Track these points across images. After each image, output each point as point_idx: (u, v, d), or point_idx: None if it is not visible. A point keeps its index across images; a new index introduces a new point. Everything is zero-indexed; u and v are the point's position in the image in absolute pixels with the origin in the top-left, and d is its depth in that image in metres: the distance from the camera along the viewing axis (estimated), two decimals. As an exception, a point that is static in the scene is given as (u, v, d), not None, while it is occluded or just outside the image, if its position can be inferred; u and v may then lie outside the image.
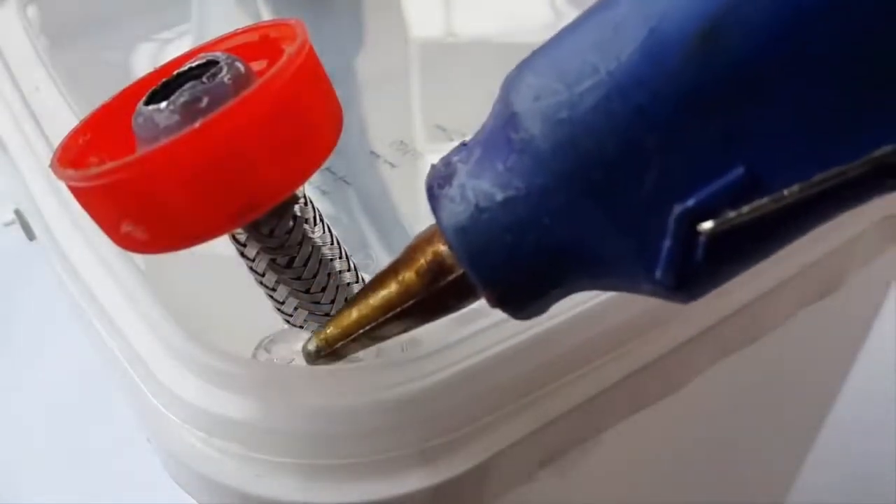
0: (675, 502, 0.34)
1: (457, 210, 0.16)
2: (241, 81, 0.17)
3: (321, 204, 0.19)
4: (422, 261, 0.17)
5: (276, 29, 0.19)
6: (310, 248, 0.18)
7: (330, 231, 0.19)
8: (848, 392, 0.40)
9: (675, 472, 0.32)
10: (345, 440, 0.18)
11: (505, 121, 0.15)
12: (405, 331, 0.18)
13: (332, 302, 0.19)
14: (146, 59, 0.33)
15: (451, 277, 0.17)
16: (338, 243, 0.19)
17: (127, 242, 0.17)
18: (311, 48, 0.17)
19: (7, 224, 0.30)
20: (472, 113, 0.29)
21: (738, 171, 0.14)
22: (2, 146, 0.27)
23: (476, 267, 0.16)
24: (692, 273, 0.14)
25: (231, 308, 0.22)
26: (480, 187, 0.15)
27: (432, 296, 0.17)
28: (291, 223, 0.18)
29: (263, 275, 0.19)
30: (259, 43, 0.19)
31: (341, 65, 0.33)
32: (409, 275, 0.17)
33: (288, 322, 0.19)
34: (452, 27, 0.35)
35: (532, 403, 0.20)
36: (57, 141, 0.18)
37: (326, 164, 0.18)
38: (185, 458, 0.19)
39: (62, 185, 0.17)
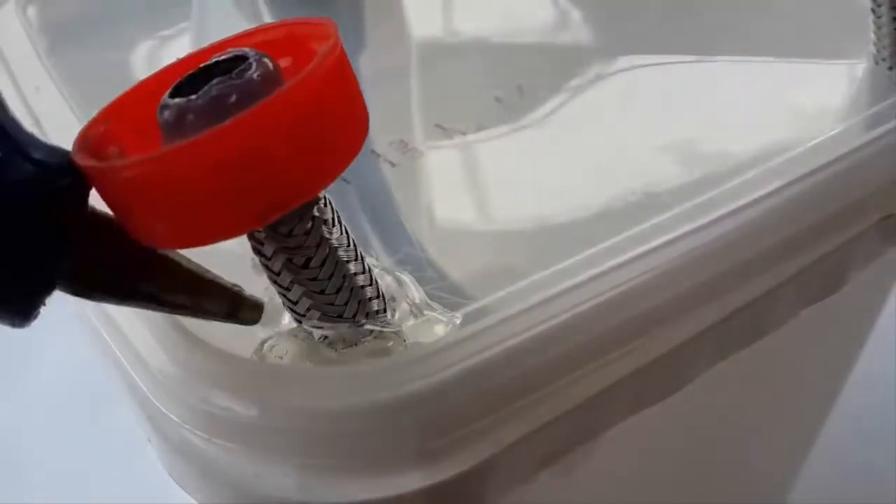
0: (675, 502, 0.34)
1: None
2: (269, 79, 0.16)
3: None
4: None
5: (303, 26, 0.18)
6: (327, 250, 0.18)
7: (347, 233, 0.19)
8: (849, 392, 0.40)
9: (675, 472, 0.32)
10: (344, 440, 0.18)
11: None
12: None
13: (346, 304, 0.19)
14: (146, 59, 0.33)
15: None
16: (354, 245, 0.19)
17: (148, 237, 0.17)
18: (342, 49, 0.17)
19: (7, 224, 0.29)
20: (472, 113, 0.29)
21: None
22: (2, 146, 0.27)
23: None
24: None
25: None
26: None
27: None
28: (310, 224, 0.18)
29: (279, 274, 0.18)
30: (284, 39, 0.19)
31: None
32: None
33: (299, 322, 0.19)
34: (452, 27, 0.35)
35: (532, 403, 0.20)
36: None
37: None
38: (184, 457, 0.19)
39: (62, 185, 0.17)
